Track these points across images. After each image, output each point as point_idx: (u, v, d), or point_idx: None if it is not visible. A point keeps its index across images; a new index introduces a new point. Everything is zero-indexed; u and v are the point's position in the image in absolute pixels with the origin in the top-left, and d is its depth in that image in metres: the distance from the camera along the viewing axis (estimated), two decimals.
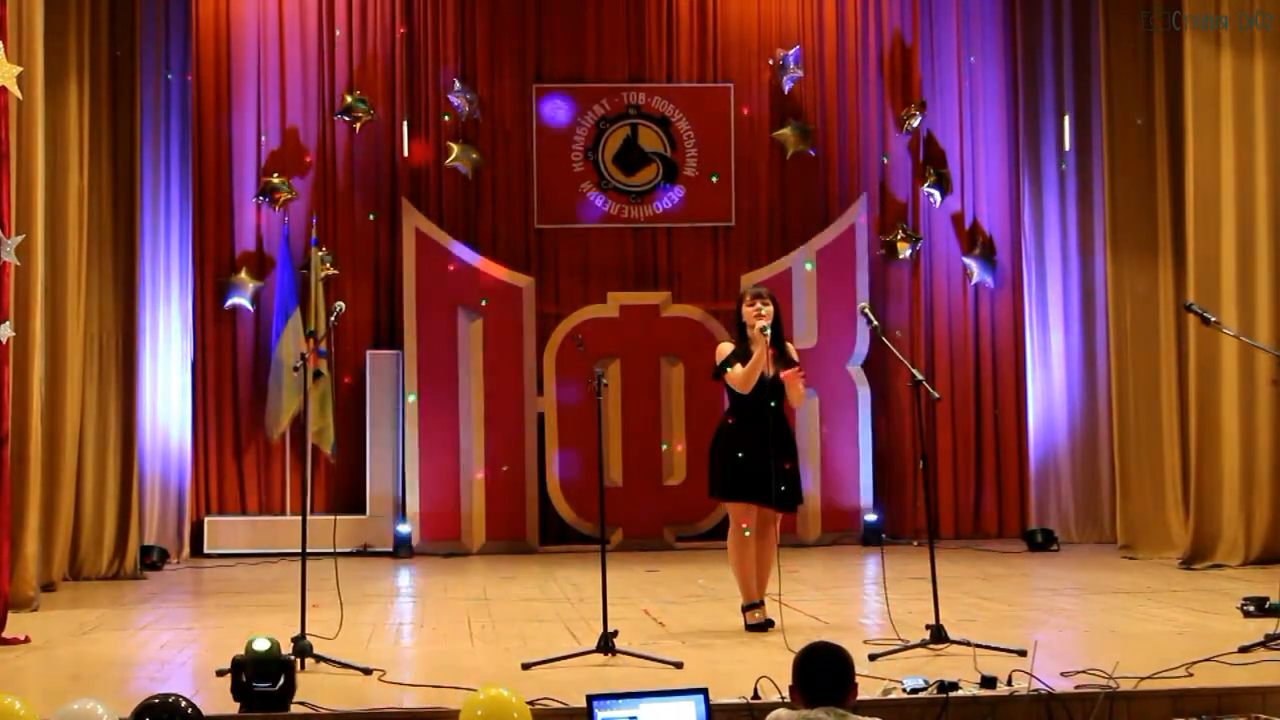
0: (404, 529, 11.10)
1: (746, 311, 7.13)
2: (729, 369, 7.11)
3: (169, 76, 10.99)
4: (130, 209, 10.05)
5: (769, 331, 7.01)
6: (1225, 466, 9.70)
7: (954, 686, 5.32)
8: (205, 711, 4.69)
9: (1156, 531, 10.51)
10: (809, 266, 11.49)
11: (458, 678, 5.78)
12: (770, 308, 7.08)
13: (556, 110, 11.78)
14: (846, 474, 11.51)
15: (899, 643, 6.34)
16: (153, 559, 10.24)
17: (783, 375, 7.02)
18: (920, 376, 6.78)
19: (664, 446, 11.38)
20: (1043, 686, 5.33)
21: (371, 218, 11.63)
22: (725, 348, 7.27)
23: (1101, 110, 11.00)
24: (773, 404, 7.03)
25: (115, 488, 9.86)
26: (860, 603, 8.51)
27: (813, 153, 11.99)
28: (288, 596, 8.25)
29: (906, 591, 7.92)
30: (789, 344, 7.33)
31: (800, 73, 11.95)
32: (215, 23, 11.56)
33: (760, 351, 7.01)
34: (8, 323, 7.15)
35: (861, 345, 11.53)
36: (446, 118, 11.71)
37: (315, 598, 6.58)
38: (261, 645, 5.23)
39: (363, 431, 11.34)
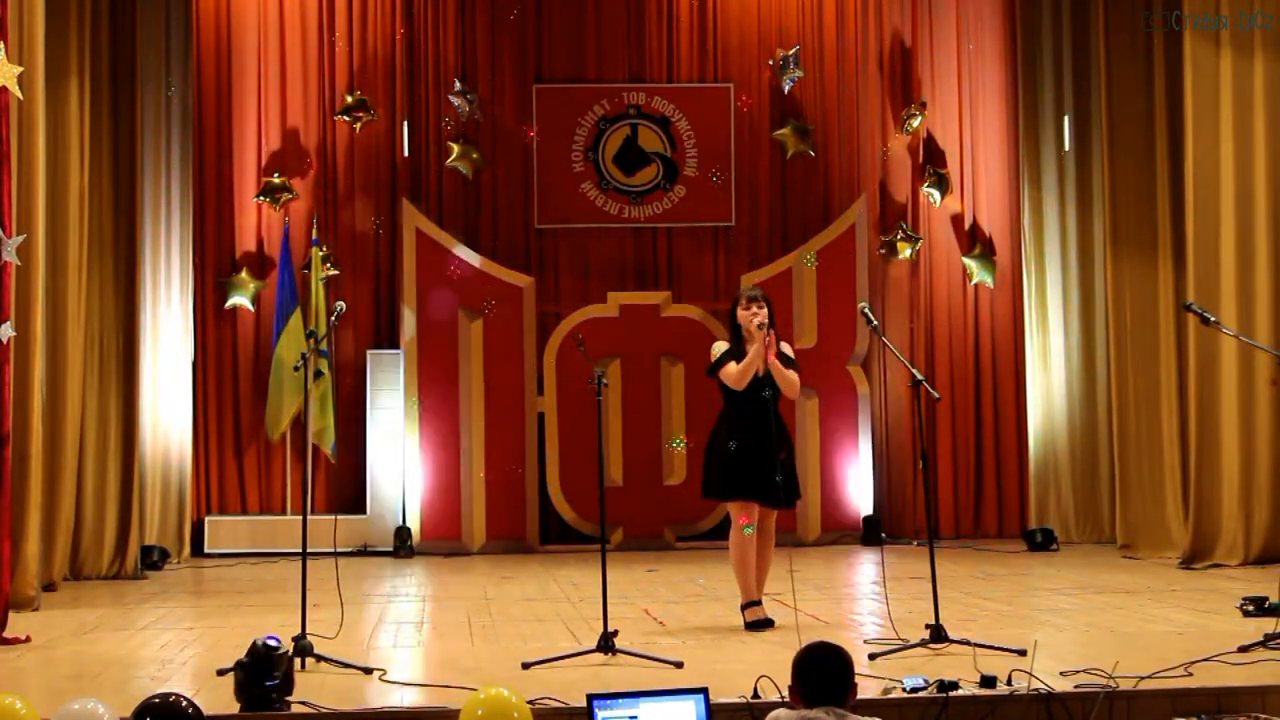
0: (404, 529, 11.10)
1: (742, 314, 7.15)
2: (724, 366, 7.14)
3: (169, 77, 11.00)
4: (131, 209, 10.05)
5: (765, 327, 7.02)
6: (1225, 466, 9.71)
7: (954, 686, 5.33)
8: (205, 711, 4.69)
9: (1156, 531, 10.51)
10: (808, 261, 11.49)
11: (458, 678, 5.78)
12: (765, 309, 7.10)
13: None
14: (846, 473, 11.51)
15: (899, 642, 6.35)
16: (153, 559, 10.24)
17: (770, 360, 7.03)
18: (920, 376, 6.78)
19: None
20: (1042, 686, 5.33)
21: (377, 228, 11.64)
22: (720, 346, 7.30)
23: (1101, 110, 11.01)
24: (766, 393, 7.05)
25: (116, 487, 9.87)
26: (860, 602, 8.50)
27: (812, 153, 12.00)
28: (288, 596, 8.26)
29: (906, 591, 7.93)
30: (783, 344, 7.34)
31: (800, 73, 11.95)
32: (216, 23, 11.57)
33: (758, 345, 7.03)
34: (9, 323, 7.15)
35: (861, 345, 11.54)
36: (446, 119, 11.73)
37: (315, 597, 6.59)
38: (269, 643, 5.24)
39: (363, 431, 11.35)
